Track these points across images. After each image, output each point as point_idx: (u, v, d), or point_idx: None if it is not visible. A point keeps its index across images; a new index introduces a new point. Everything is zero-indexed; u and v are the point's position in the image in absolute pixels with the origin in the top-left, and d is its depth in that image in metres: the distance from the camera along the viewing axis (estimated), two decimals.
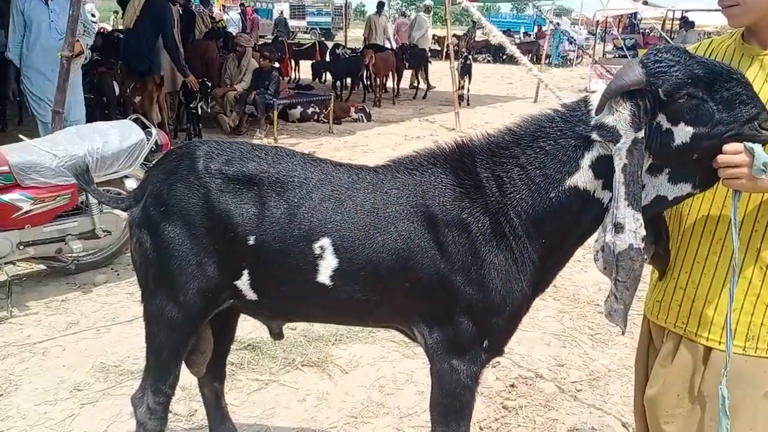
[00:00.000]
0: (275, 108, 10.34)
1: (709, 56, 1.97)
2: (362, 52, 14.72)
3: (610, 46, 24.13)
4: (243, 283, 2.14)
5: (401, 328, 2.22)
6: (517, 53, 4.29)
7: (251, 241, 2.06)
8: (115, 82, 8.98)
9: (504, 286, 1.95)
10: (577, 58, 25.10)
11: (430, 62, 16.36)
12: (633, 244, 1.74)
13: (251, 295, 2.17)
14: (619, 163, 1.74)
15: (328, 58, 16.47)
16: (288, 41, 18.99)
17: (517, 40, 24.53)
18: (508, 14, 41.75)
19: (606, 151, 1.80)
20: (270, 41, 17.86)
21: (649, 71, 1.72)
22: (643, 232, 1.74)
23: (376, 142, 10.24)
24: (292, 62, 17.69)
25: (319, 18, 38.52)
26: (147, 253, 2.18)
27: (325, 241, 2.02)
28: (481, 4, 22.97)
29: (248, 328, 3.80)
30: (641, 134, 1.72)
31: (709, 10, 20.21)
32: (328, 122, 11.42)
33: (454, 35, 19.14)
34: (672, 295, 2.01)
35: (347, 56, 15.13)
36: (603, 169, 1.82)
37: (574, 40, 25.02)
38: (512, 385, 3.45)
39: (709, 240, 1.91)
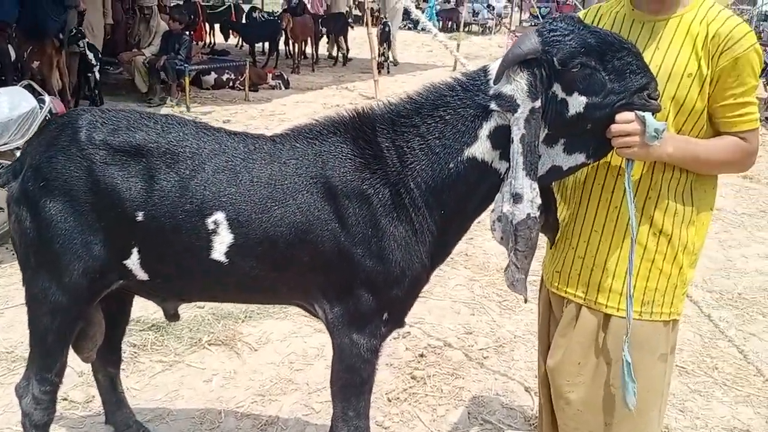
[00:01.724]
0: (187, 74, 9.94)
1: (598, 22, 2.01)
2: (280, 15, 14.33)
3: (527, 14, 24.46)
4: (132, 262, 2.03)
5: (302, 304, 2.18)
6: (424, 20, 4.25)
7: (140, 217, 1.95)
8: (10, 46, 8.37)
9: (404, 258, 1.93)
10: (495, 26, 25.32)
11: (351, 27, 16.12)
12: (530, 213, 1.75)
13: (142, 275, 2.06)
14: (517, 133, 1.74)
15: (244, 21, 15.94)
16: (201, 3, 18.22)
17: (438, 8, 24.41)
18: None
19: (504, 121, 1.79)
20: (181, 2, 17.10)
21: (544, 40, 1.72)
22: (539, 201, 1.77)
23: (293, 111, 10.02)
24: (206, 25, 17.01)
25: None
26: (27, 232, 2.03)
27: (219, 216, 1.93)
28: None
29: (153, 308, 3.63)
30: (538, 104, 1.73)
31: None
32: (244, 89, 11.09)
33: None
34: (571, 265, 2.04)
35: (264, 20, 14.70)
36: (500, 139, 1.82)
37: (493, 7, 25.22)
38: (421, 355, 3.48)
39: (606, 208, 1.95)
